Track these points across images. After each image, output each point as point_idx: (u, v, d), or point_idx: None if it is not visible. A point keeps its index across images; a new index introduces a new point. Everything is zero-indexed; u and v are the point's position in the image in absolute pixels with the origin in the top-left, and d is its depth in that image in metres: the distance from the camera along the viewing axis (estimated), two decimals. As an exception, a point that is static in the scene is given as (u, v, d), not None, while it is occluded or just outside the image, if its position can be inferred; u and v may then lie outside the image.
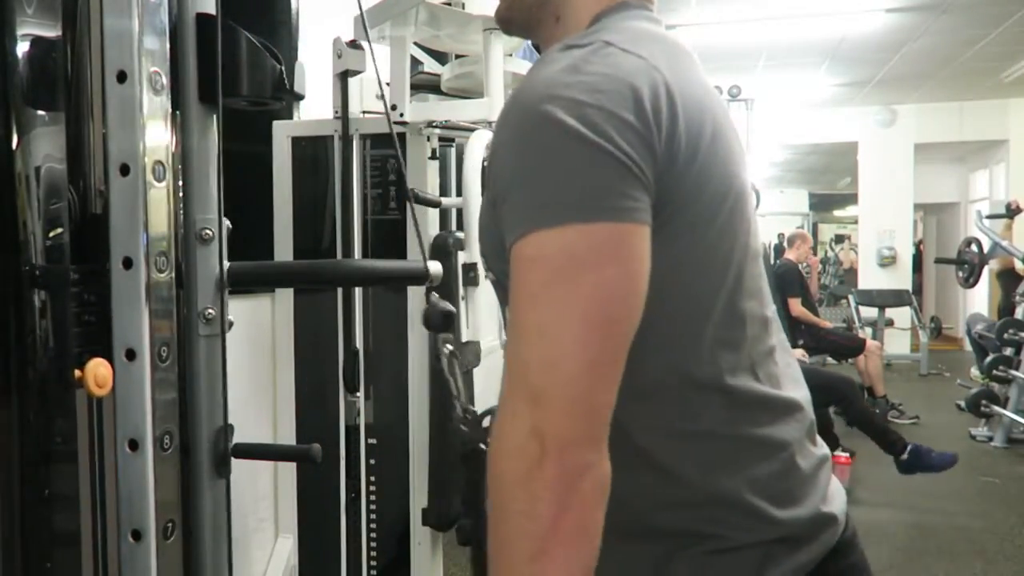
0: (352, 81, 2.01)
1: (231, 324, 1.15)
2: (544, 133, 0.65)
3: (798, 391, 0.81)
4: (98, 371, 0.96)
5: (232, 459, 1.14)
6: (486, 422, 1.91)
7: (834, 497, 0.80)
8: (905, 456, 3.77)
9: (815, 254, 10.16)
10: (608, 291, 0.64)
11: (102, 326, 1.00)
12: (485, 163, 2.08)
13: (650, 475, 0.74)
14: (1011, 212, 6.17)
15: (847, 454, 3.98)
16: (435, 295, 0.99)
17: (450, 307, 0.92)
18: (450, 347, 0.91)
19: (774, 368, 0.79)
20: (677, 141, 0.67)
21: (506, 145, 0.69)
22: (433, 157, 2.01)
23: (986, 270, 6.42)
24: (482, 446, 0.84)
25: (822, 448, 0.82)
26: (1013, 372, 5.18)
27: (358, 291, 2.04)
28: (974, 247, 6.17)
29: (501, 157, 0.69)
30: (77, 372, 0.95)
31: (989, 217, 6.43)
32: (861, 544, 0.82)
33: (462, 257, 1.91)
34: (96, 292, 1.01)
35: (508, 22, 0.89)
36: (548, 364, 0.63)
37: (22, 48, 0.91)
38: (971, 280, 6.24)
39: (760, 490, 0.73)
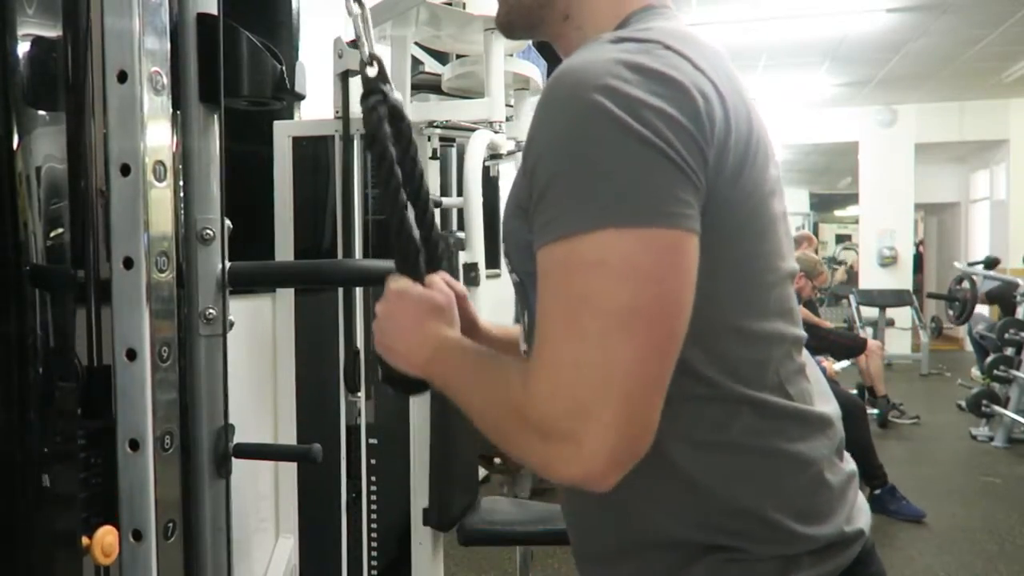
0: (353, 81, 2.01)
1: (232, 324, 1.15)
2: (601, 127, 0.61)
3: (828, 406, 0.79)
4: (105, 540, 0.96)
5: (233, 459, 1.14)
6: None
7: (860, 512, 0.79)
8: (878, 492, 3.80)
9: (817, 254, 10.15)
10: (668, 306, 0.62)
11: (109, 491, 1.00)
12: (487, 163, 2.08)
13: (673, 485, 0.72)
14: (990, 262, 6.31)
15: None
16: None
17: None
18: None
19: (805, 384, 0.77)
20: (727, 154, 0.66)
21: (557, 131, 0.64)
22: (434, 157, 2.01)
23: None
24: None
25: (850, 463, 0.81)
26: (1014, 372, 5.17)
27: (359, 291, 2.04)
28: (966, 284, 6.23)
29: (543, 143, 0.65)
30: (85, 539, 0.95)
31: (972, 264, 6.60)
32: (879, 555, 0.81)
33: (463, 257, 1.91)
34: (103, 456, 1.01)
35: (509, 26, 0.87)
36: (608, 377, 0.60)
37: (23, 48, 0.91)
38: (962, 317, 6.30)
39: (787, 506, 0.72)
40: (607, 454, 0.61)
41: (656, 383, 0.63)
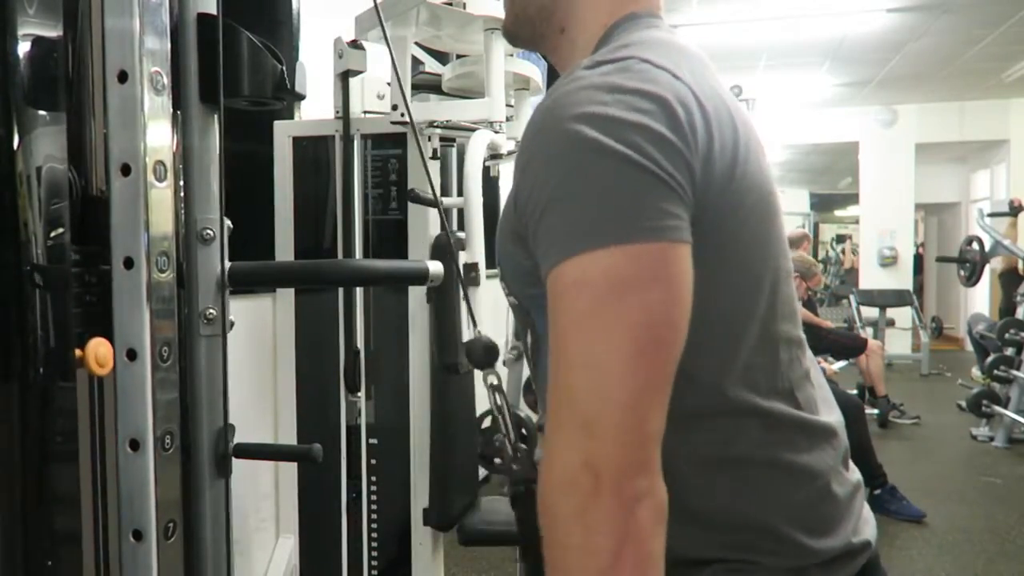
0: (353, 81, 2.01)
1: (232, 324, 1.15)
2: (579, 153, 0.62)
3: (832, 415, 0.79)
4: (99, 351, 0.95)
5: (233, 459, 1.14)
6: (486, 422, 1.91)
7: (867, 524, 0.79)
8: (878, 492, 3.80)
9: (815, 255, 10.16)
10: (654, 314, 0.62)
11: (103, 307, 1.00)
12: (487, 163, 2.08)
13: (681, 502, 0.70)
14: (1014, 210, 6.16)
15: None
16: (479, 331, 0.96)
17: (493, 342, 0.90)
18: (495, 380, 0.90)
19: (811, 391, 0.77)
20: (713, 161, 0.66)
21: (537, 167, 0.66)
22: (434, 157, 2.01)
23: (988, 270, 6.41)
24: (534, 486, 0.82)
25: (855, 473, 0.81)
26: (1014, 372, 5.17)
27: (359, 291, 2.04)
28: (975, 245, 6.16)
29: (532, 179, 0.66)
30: (78, 351, 0.95)
31: (991, 215, 6.42)
32: (883, 566, 0.81)
33: (463, 257, 1.91)
34: (96, 274, 1.01)
35: (514, 36, 0.89)
36: (597, 392, 0.61)
37: (23, 48, 0.91)
38: (973, 279, 6.23)
39: (794, 519, 0.72)
40: (618, 467, 0.60)
41: (652, 388, 0.62)
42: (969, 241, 6.26)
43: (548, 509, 0.63)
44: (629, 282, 0.61)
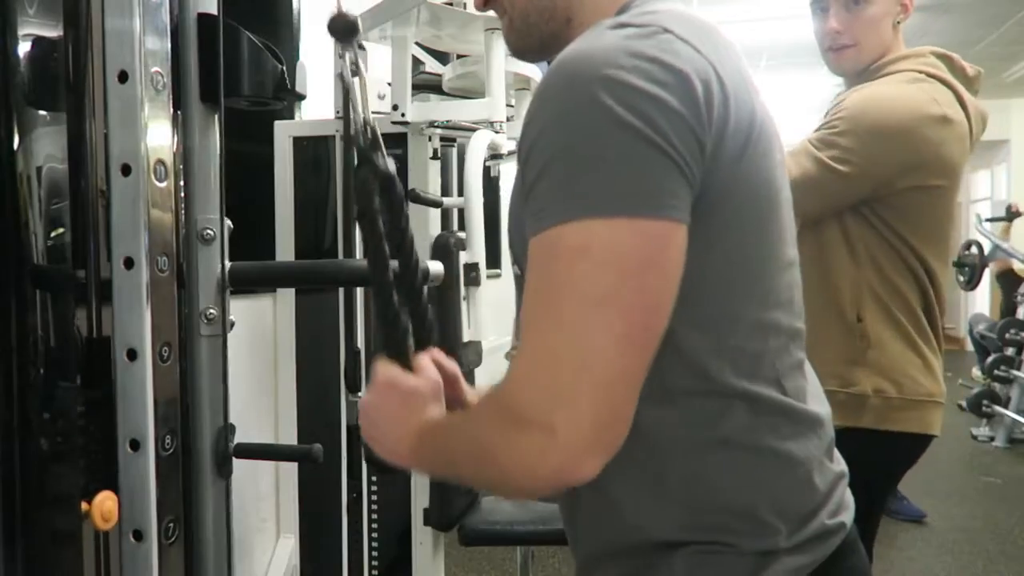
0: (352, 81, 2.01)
1: (232, 324, 1.15)
2: (595, 116, 0.62)
3: (822, 407, 0.79)
4: (104, 505, 0.96)
5: (233, 459, 1.14)
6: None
7: (844, 508, 0.78)
8: None
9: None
10: (650, 298, 0.62)
11: (109, 458, 1.00)
12: (487, 163, 2.08)
13: (662, 482, 0.72)
14: (1011, 215, 6.17)
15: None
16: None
17: (355, 21, 0.84)
18: (352, 56, 0.86)
19: (801, 381, 0.76)
20: (726, 139, 0.66)
21: (550, 121, 0.64)
22: (435, 157, 2.01)
23: (987, 271, 6.41)
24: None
25: (839, 464, 0.81)
26: (1015, 372, 5.17)
27: (359, 291, 2.04)
28: (974, 249, 6.16)
29: (538, 131, 0.65)
30: (84, 505, 0.95)
31: (989, 220, 6.43)
32: (861, 546, 0.81)
33: (463, 257, 1.90)
34: (102, 424, 1.00)
35: (525, 50, 0.86)
36: (582, 365, 0.60)
37: (24, 48, 0.91)
38: (972, 283, 6.23)
39: (772, 505, 0.71)
40: (582, 442, 0.60)
41: (632, 374, 0.62)
42: (968, 245, 6.25)
43: (489, 434, 0.65)
44: (631, 259, 0.61)
